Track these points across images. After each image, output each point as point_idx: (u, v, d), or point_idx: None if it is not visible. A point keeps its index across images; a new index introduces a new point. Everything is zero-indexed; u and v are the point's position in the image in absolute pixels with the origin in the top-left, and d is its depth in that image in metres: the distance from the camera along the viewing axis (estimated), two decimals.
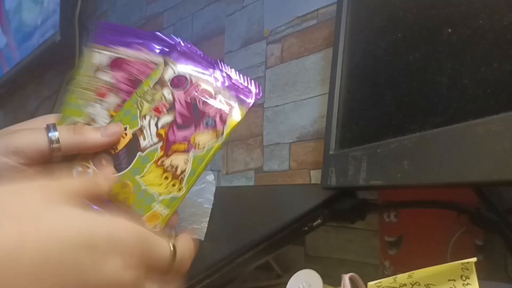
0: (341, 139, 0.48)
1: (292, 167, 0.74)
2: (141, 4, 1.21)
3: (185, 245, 0.30)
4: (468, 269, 0.26)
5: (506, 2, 0.31)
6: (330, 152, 0.49)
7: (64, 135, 0.34)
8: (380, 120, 0.42)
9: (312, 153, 0.71)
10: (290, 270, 0.37)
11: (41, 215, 0.23)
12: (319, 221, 0.47)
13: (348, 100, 0.49)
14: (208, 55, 0.39)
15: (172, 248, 0.29)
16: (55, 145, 0.33)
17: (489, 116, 0.30)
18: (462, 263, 0.26)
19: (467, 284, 0.26)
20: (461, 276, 0.26)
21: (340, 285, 0.32)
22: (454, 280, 0.26)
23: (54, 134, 0.34)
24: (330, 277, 0.39)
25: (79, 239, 0.23)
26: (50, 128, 0.34)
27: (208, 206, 0.50)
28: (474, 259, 0.25)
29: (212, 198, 0.51)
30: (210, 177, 0.60)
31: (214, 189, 0.51)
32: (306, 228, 0.47)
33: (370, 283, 0.29)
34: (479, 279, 0.26)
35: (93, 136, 0.35)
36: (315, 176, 0.70)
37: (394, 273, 0.46)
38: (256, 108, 0.82)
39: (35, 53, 1.52)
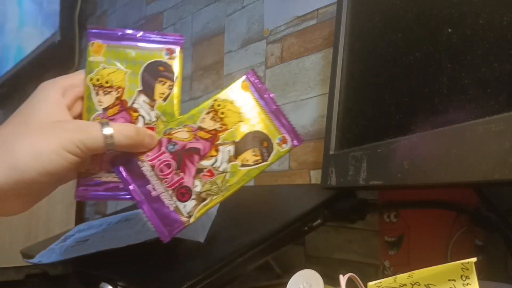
0: (341, 139, 0.48)
1: (292, 167, 0.74)
2: (141, 4, 1.21)
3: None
4: (468, 269, 0.26)
5: (506, 2, 0.31)
6: (330, 152, 0.49)
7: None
8: (380, 120, 0.42)
9: (312, 153, 0.71)
10: (290, 270, 0.37)
11: None
12: (319, 221, 0.47)
13: (348, 100, 0.49)
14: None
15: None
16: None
17: (489, 116, 0.30)
18: (462, 263, 0.26)
19: (467, 284, 0.26)
20: (461, 276, 0.26)
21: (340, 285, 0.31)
22: (454, 280, 0.26)
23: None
24: (330, 277, 0.39)
25: None
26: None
27: (210, 219, 0.50)
28: (474, 259, 0.25)
29: (212, 218, 0.51)
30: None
31: (215, 213, 0.52)
32: (306, 228, 0.47)
33: (370, 283, 0.29)
34: (479, 279, 0.26)
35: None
36: (315, 176, 0.70)
37: (394, 273, 0.46)
38: None
39: (35, 53, 1.51)
